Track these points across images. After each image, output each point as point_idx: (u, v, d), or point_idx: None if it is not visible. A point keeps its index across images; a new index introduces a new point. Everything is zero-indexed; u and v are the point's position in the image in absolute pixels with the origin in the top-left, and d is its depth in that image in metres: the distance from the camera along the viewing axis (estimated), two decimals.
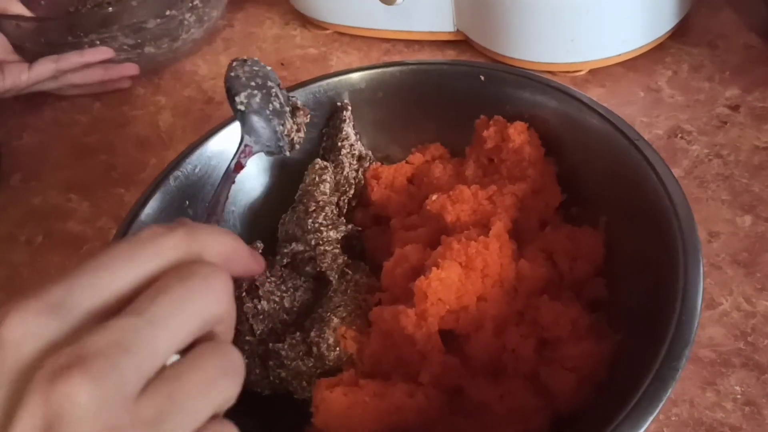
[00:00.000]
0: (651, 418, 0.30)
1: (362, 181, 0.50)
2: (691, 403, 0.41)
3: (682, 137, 0.57)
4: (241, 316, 0.42)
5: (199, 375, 0.22)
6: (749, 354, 0.43)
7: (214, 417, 0.23)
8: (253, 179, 0.50)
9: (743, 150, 0.55)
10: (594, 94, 0.61)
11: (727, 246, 0.49)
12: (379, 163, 0.51)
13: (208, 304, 0.24)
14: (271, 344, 0.41)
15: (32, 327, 0.21)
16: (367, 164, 0.50)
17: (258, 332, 0.42)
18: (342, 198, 0.48)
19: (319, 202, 0.46)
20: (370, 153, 0.51)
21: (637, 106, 0.61)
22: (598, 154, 0.44)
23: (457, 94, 0.49)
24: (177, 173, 0.45)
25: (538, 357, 0.39)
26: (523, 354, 0.38)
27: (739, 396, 0.41)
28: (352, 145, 0.50)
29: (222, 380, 0.23)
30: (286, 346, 0.41)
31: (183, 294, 0.23)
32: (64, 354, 0.20)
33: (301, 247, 0.45)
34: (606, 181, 0.43)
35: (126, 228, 0.42)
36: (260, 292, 0.43)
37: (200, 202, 0.46)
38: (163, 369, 0.22)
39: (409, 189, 0.50)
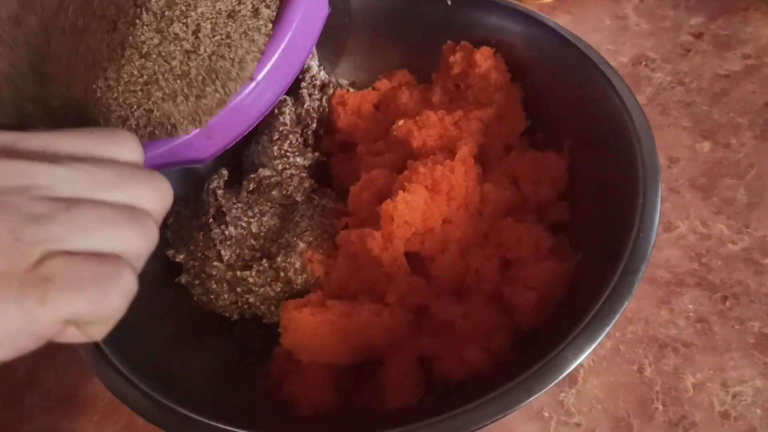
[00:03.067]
0: (607, 329, 0.31)
1: (326, 109, 0.49)
2: (646, 321, 0.43)
3: (646, 65, 0.57)
4: (209, 243, 0.42)
5: (107, 211, 0.23)
6: (703, 274, 0.45)
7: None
8: None
9: (705, 78, 0.56)
10: (561, 21, 0.60)
11: (686, 171, 0.50)
12: (345, 90, 0.51)
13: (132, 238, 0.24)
14: (238, 272, 0.42)
15: None
16: (330, 91, 0.50)
17: (226, 258, 0.42)
18: (305, 130, 0.48)
19: (281, 131, 0.46)
20: (333, 79, 0.51)
21: (603, 33, 0.61)
22: (563, 78, 0.44)
23: (424, 19, 0.49)
24: None
25: (501, 277, 0.39)
26: (487, 274, 0.39)
27: (691, 314, 0.43)
28: (313, 76, 0.49)
29: (127, 228, 0.23)
30: (253, 273, 0.41)
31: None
32: None
33: (268, 172, 0.45)
34: (571, 105, 0.44)
35: None
36: (227, 218, 0.43)
37: None
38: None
39: (375, 115, 0.50)
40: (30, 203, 0.21)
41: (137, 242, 0.23)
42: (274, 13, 0.36)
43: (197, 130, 0.34)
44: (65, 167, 0.23)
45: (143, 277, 0.42)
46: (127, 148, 0.25)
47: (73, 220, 0.22)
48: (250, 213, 0.44)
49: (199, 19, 0.32)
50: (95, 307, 0.22)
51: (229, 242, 0.42)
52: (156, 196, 0.25)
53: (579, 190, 0.42)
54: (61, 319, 0.21)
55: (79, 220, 0.22)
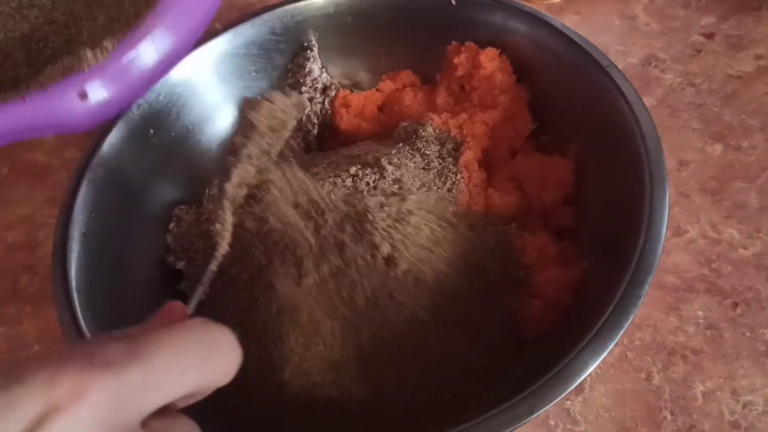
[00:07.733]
0: (612, 344, 0.30)
1: (329, 112, 0.49)
2: (654, 328, 0.42)
3: (656, 66, 0.56)
4: (209, 251, 0.42)
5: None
6: (713, 280, 0.44)
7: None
8: (216, 110, 0.48)
9: (716, 79, 0.55)
10: (569, 21, 0.60)
11: (696, 174, 0.49)
12: (348, 91, 0.50)
13: None
14: None
15: None
16: (333, 93, 0.49)
17: None
18: (307, 136, 0.48)
19: None
20: (335, 81, 0.50)
21: (613, 33, 0.60)
22: (569, 80, 0.43)
23: (428, 19, 0.48)
24: (140, 101, 0.43)
25: (505, 284, 0.39)
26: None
27: (701, 320, 0.42)
28: (314, 79, 0.48)
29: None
30: None
31: None
32: None
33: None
34: (577, 108, 0.43)
35: (88, 158, 0.41)
36: None
37: (166, 131, 0.45)
38: None
39: (379, 117, 0.49)
40: None
41: None
42: None
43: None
44: None
45: (143, 283, 0.42)
46: None
47: None
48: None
49: None
50: None
51: None
52: None
53: (585, 195, 0.41)
54: None
55: None
